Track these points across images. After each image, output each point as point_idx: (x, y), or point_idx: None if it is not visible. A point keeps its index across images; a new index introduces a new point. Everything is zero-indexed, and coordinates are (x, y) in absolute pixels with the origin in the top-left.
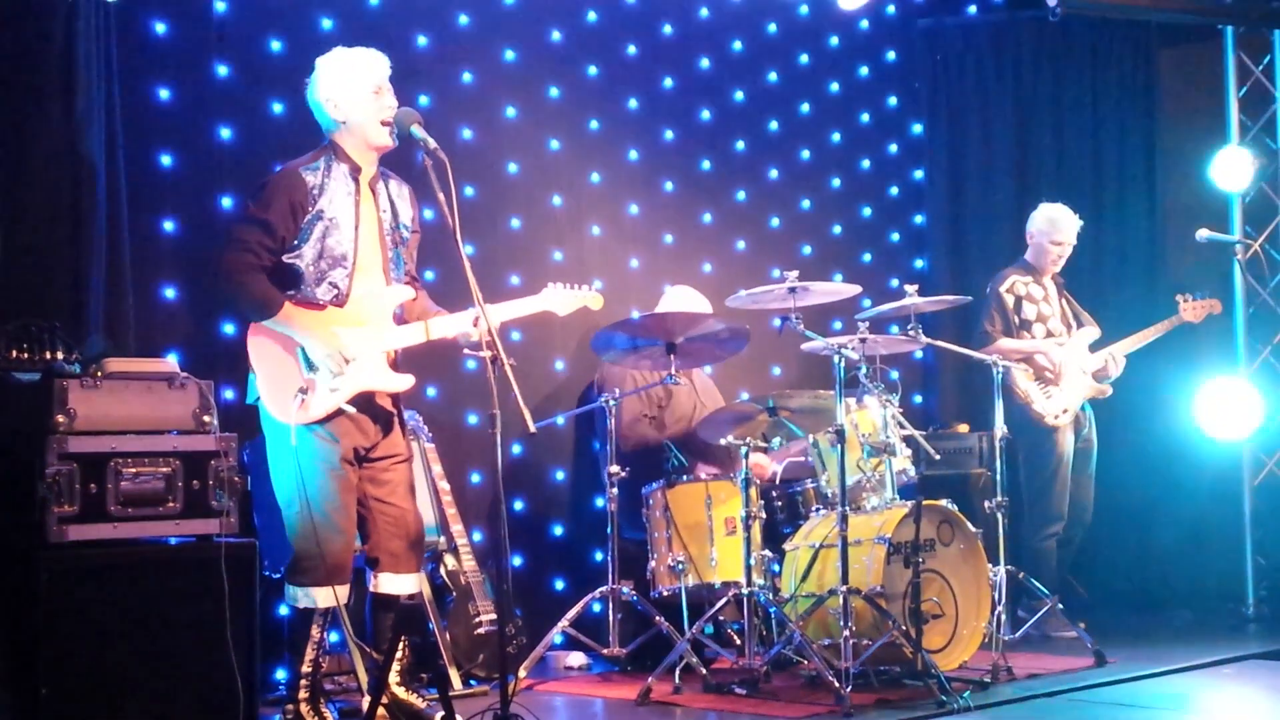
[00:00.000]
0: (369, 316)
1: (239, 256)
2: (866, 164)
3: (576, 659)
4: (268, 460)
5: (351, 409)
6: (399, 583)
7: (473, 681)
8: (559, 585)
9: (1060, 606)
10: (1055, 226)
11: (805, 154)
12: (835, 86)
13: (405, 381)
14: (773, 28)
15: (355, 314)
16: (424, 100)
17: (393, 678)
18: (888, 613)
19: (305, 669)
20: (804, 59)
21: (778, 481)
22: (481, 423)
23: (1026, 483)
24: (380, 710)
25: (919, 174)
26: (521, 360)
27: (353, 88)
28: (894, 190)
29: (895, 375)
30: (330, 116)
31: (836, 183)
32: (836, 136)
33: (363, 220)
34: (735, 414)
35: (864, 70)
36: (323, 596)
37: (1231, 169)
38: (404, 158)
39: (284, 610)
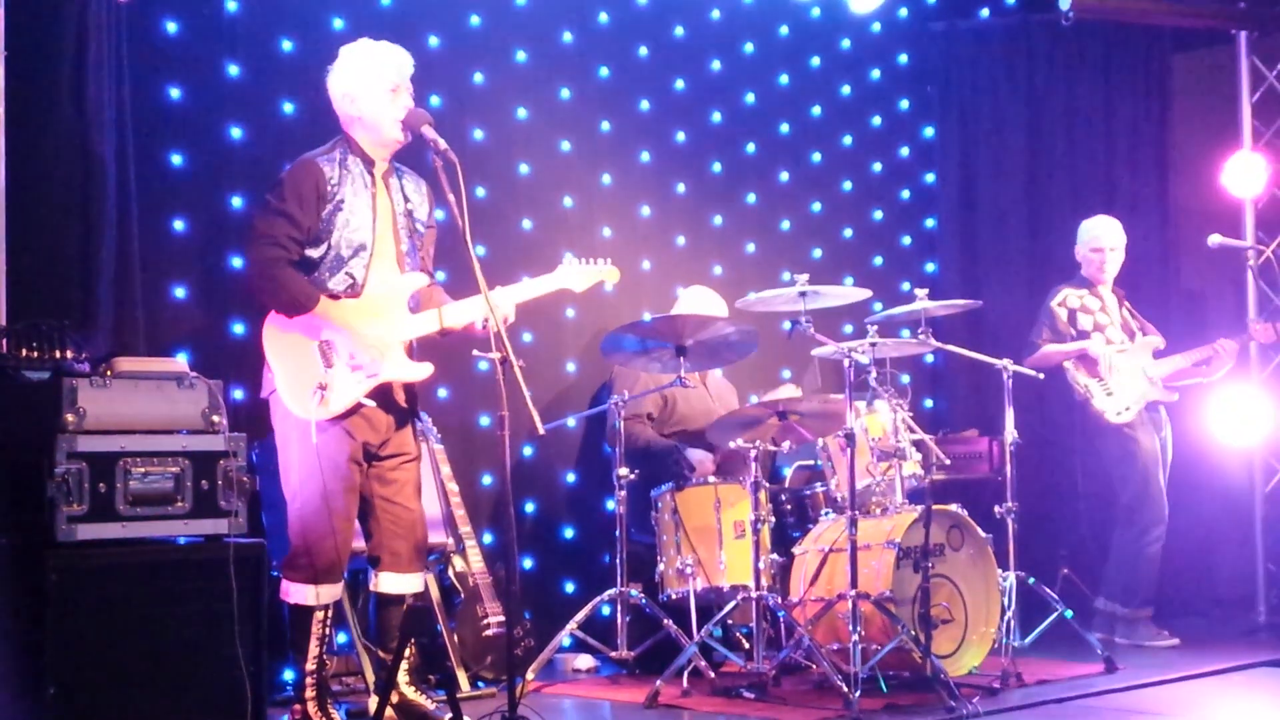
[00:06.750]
0: (384, 307)
1: (269, 251)
2: (878, 167)
3: (585, 661)
4: (278, 453)
5: (371, 402)
6: (399, 582)
7: (480, 683)
8: (568, 587)
9: (1070, 614)
10: (1088, 234)
11: (816, 156)
12: (847, 89)
13: (424, 370)
14: (784, 30)
15: (371, 304)
16: (435, 100)
17: (402, 677)
18: (897, 618)
19: (310, 666)
20: (815, 61)
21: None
22: (492, 424)
23: (1121, 489)
24: (388, 710)
25: (930, 177)
26: (532, 361)
27: (370, 85)
28: (905, 193)
29: (906, 379)
30: (346, 110)
31: (847, 185)
32: (848, 139)
33: (379, 211)
34: (744, 418)
35: (875, 73)
36: (318, 593)
37: (1244, 174)
38: (416, 158)
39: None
